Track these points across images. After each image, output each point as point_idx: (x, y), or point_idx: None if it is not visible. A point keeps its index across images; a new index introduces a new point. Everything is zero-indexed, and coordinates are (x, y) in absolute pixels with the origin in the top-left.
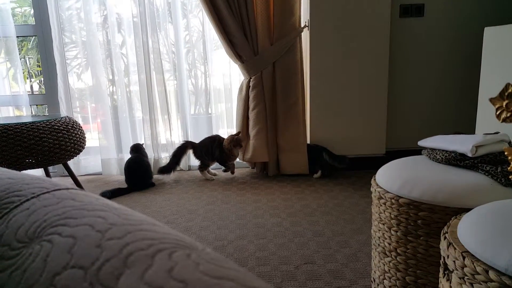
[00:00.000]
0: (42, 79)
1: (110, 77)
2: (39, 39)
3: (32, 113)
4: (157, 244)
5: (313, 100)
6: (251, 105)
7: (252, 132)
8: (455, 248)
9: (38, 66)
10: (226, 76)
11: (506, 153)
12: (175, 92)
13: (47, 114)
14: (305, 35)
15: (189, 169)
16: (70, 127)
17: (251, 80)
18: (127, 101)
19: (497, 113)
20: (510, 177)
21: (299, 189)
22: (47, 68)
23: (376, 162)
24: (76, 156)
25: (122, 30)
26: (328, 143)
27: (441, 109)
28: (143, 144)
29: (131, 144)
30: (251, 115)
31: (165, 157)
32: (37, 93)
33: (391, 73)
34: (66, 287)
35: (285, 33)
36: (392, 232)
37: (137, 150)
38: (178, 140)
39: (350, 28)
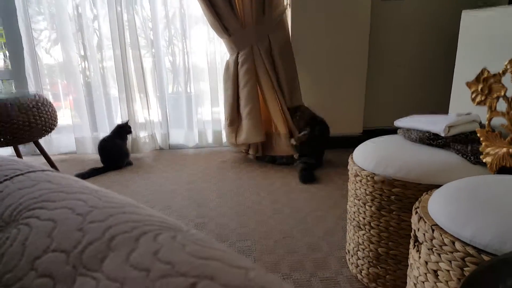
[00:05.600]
0: (7, 52)
1: (82, 52)
2: (0, 9)
3: None
4: (141, 227)
5: None
6: (241, 83)
7: (244, 111)
8: (425, 222)
9: (1, 36)
10: (207, 54)
11: (478, 134)
12: (152, 69)
13: (15, 90)
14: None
15: (169, 148)
16: (40, 105)
17: (240, 55)
18: (101, 78)
19: (473, 96)
20: (480, 156)
21: (279, 167)
22: (12, 42)
23: (354, 141)
24: (48, 135)
25: (94, 1)
26: None
27: (417, 90)
28: (128, 121)
29: (106, 122)
30: (242, 93)
31: (143, 136)
32: (1, 68)
33: (370, 54)
34: (48, 270)
35: (270, 10)
36: (367, 207)
37: (115, 130)
38: (157, 119)
39: (331, 9)
